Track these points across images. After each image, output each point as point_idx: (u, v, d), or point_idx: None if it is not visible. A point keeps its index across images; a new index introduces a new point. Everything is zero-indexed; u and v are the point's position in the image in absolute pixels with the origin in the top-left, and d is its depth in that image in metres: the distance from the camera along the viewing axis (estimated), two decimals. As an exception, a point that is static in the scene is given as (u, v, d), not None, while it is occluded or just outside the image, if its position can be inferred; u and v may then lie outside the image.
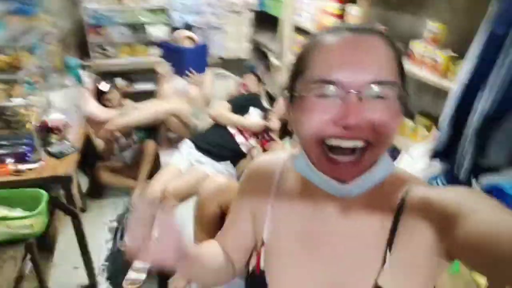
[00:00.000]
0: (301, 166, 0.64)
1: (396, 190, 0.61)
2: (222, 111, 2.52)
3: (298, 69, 0.59)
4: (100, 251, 2.28)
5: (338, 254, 0.63)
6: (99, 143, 2.89)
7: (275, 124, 2.44)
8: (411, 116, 1.85)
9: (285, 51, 2.96)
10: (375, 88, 0.52)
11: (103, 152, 2.98)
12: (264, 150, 2.19)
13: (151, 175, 2.97)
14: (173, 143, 3.02)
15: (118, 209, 2.89)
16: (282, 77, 3.04)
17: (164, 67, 2.86)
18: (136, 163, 3.02)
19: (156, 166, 2.97)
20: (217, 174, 2.10)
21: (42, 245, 1.71)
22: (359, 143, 0.54)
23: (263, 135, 2.21)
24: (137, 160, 3.00)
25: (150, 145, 2.94)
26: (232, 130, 2.50)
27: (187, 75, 2.88)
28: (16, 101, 1.82)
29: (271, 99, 3.44)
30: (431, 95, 1.85)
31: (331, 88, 0.53)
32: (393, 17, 2.08)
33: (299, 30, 2.92)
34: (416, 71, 1.67)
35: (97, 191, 3.00)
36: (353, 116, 0.51)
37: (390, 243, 0.58)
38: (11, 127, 1.83)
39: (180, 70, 2.87)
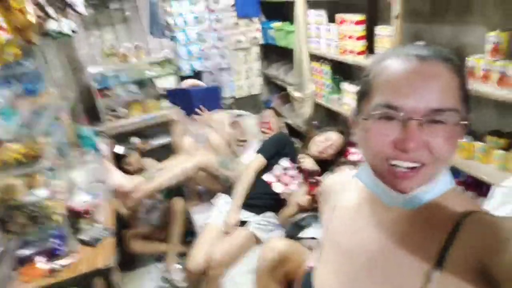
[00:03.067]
0: (363, 176, 0.68)
1: (453, 209, 0.61)
2: (245, 172, 2.31)
3: (365, 90, 0.63)
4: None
5: (381, 262, 0.64)
6: (123, 211, 2.70)
7: (308, 164, 2.24)
8: (477, 137, 1.65)
9: (306, 81, 2.79)
10: (436, 115, 0.55)
11: (129, 219, 2.78)
12: (313, 195, 1.97)
13: (183, 235, 2.78)
14: (202, 198, 2.83)
15: (154, 278, 2.67)
16: (307, 108, 2.86)
17: (175, 112, 2.76)
18: (165, 223, 2.82)
19: (186, 224, 2.77)
20: (272, 237, 1.89)
21: None
22: (416, 164, 0.57)
23: (307, 181, 2.01)
24: (166, 220, 2.80)
25: (177, 203, 2.74)
26: (269, 179, 2.30)
27: (196, 113, 2.72)
28: (40, 193, 1.64)
29: (294, 132, 3.26)
30: (498, 111, 1.66)
31: (394, 113, 0.56)
32: (430, 31, 1.92)
33: (315, 57, 2.77)
34: (478, 87, 1.49)
35: (129, 262, 2.78)
36: (412, 141, 0.55)
37: (439, 262, 0.57)
38: (37, 222, 1.64)
39: (188, 110, 2.75)
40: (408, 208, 0.62)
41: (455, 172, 1.81)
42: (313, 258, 0.78)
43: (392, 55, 0.60)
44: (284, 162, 2.35)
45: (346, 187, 0.78)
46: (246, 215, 2.23)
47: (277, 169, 2.33)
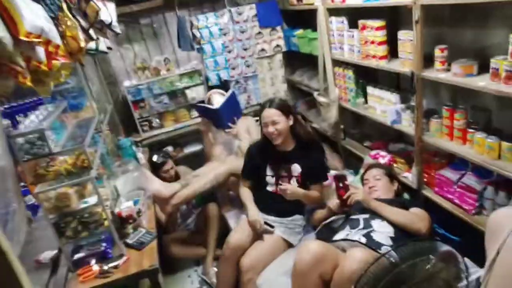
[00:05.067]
0: None
1: None
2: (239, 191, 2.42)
3: None
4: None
5: None
6: (161, 216, 2.84)
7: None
8: (504, 137, 1.68)
9: (330, 86, 2.87)
10: None
11: (167, 224, 2.92)
12: (342, 200, 2.01)
13: (218, 239, 2.89)
14: (234, 203, 2.94)
15: (194, 281, 2.79)
16: (333, 113, 2.93)
17: (203, 123, 2.97)
18: (200, 228, 2.94)
19: (222, 228, 2.88)
20: (307, 240, 1.96)
21: None
22: None
23: (337, 186, 2.03)
24: (201, 225, 2.93)
25: (212, 208, 2.86)
26: (272, 189, 2.30)
27: (228, 127, 2.86)
28: (91, 200, 1.79)
29: (321, 136, 3.33)
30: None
31: None
32: (451, 35, 1.96)
33: (338, 62, 2.85)
34: (502, 88, 1.53)
35: (169, 266, 2.92)
36: None
37: None
38: (89, 227, 1.80)
39: (219, 125, 2.91)
40: None
41: (485, 172, 1.85)
42: None
43: None
44: (268, 170, 2.32)
45: None
46: (273, 219, 2.26)
47: (269, 179, 2.32)
